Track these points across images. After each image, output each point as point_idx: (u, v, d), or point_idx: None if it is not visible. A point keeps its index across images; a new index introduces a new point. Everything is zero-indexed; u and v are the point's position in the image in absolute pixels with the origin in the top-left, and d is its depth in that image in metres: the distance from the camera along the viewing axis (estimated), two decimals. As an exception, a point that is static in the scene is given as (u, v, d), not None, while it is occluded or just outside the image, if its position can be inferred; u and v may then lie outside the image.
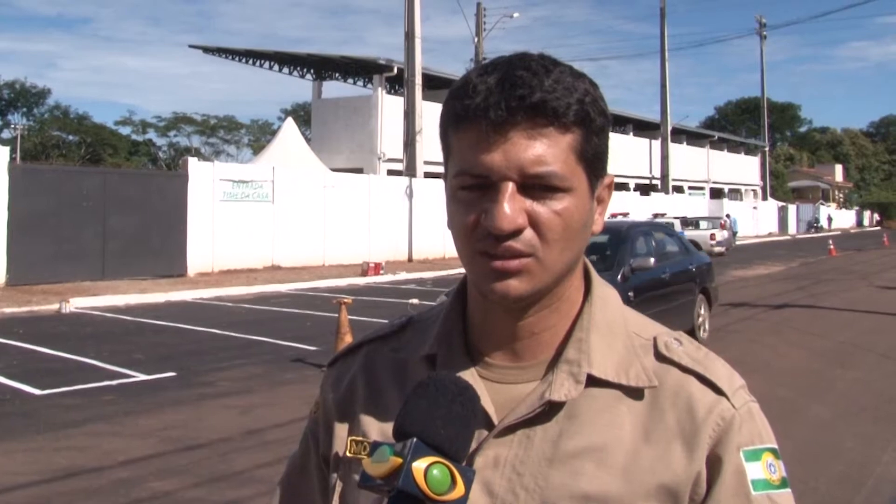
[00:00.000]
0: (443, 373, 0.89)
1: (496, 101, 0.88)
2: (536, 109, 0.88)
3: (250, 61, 40.36)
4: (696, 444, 0.92)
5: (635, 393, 0.94)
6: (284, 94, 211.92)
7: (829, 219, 74.08)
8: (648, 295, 9.71)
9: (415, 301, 8.54)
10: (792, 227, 65.71)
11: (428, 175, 29.23)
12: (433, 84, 33.52)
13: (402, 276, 22.45)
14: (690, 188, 57.21)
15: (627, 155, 49.65)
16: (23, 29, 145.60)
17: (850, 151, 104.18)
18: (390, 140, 34.28)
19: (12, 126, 68.84)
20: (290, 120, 34.89)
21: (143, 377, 9.03)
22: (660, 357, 0.97)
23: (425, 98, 30.09)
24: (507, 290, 0.90)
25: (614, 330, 0.98)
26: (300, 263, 23.64)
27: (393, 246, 26.91)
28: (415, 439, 0.79)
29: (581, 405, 0.93)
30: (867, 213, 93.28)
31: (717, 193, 60.99)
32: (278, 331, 12.34)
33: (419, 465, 0.77)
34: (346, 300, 9.52)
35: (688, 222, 32.06)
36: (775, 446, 0.96)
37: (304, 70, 40.28)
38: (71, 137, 68.89)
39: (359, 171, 30.73)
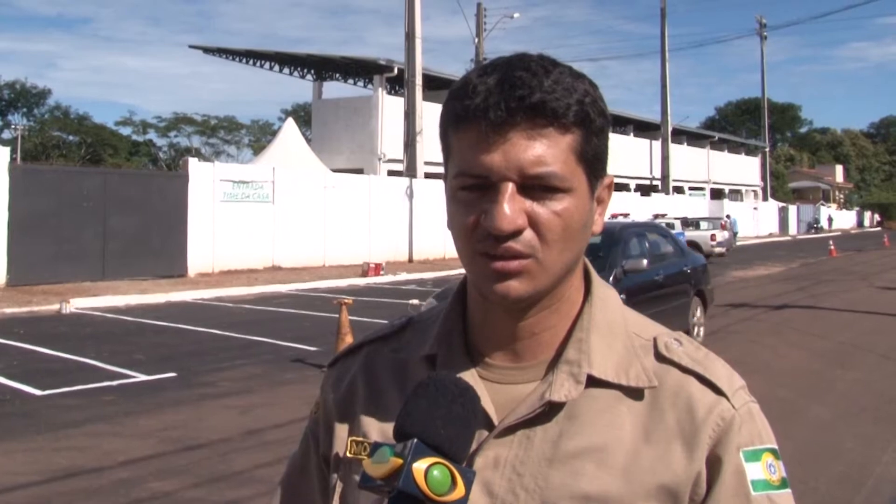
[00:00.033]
0: (443, 373, 0.89)
1: (496, 102, 0.88)
2: (536, 110, 0.88)
3: (250, 61, 40.38)
4: (696, 444, 0.92)
5: (635, 393, 0.94)
6: (285, 94, 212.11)
7: (830, 219, 74.10)
8: (641, 297, 9.44)
9: (415, 301, 8.56)
10: (792, 228, 65.71)
11: (428, 175, 29.23)
12: (433, 84, 33.53)
13: (403, 276, 22.45)
14: (691, 189, 57.19)
15: (628, 155, 49.65)
16: (23, 29, 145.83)
17: (850, 152, 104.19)
18: (391, 140, 34.29)
19: (13, 126, 68.90)
20: (290, 120, 34.90)
21: (143, 377, 9.03)
22: (660, 357, 0.97)
23: (426, 98, 30.10)
24: (507, 291, 0.90)
25: (614, 330, 0.98)
26: (300, 264, 23.64)
27: (393, 246, 26.91)
28: (415, 440, 0.79)
29: (581, 405, 0.94)
30: (868, 214, 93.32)
31: (717, 194, 61.00)
32: (278, 331, 12.34)
33: (419, 466, 0.77)
34: (346, 301, 9.52)
35: (688, 223, 32.05)
36: (775, 447, 0.96)
37: (305, 70, 40.30)
38: (71, 138, 68.91)
39: (359, 171, 30.73)
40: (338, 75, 40.67)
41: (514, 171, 0.88)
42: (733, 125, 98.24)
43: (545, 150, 0.88)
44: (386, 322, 1.15)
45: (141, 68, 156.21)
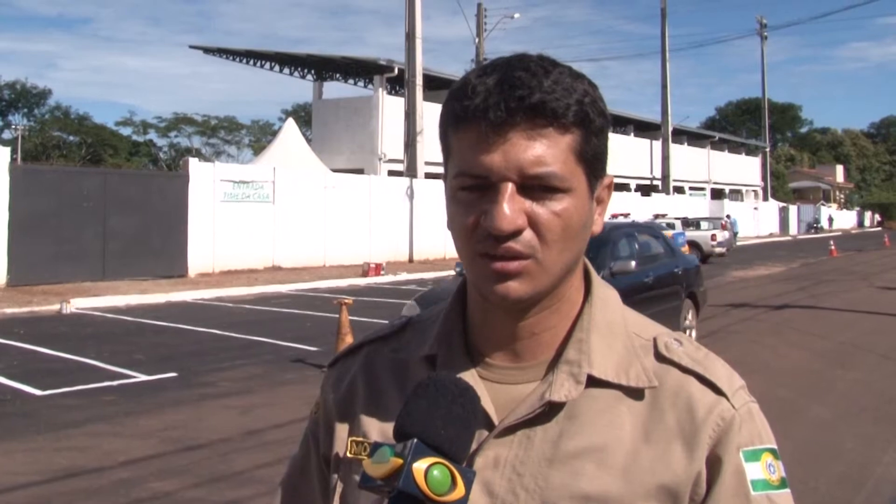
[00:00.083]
0: (443, 373, 0.89)
1: (495, 102, 0.88)
2: (536, 110, 0.88)
3: (251, 62, 40.38)
4: (696, 444, 0.92)
5: (635, 393, 0.95)
6: (285, 94, 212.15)
7: (830, 219, 74.10)
8: (630, 300, 9.13)
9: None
10: (793, 228, 65.71)
11: (429, 176, 29.24)
12: (434, 84, 33.53)
13: (403, 276, 22.45)
14: (691, 189, 57.21)
15: (628, 155, 49.65)
16: (23, 29, 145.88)
17: (850, 152, 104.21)
18: (391, 141, 34.29)
19: (13, 126, 68.90)
20: (290, 120, 34.93)
21: (143, 378, 9.03)
22: (660, 357, 0.97)
23: (426, 99, 30.11)
24: (507, 291, 0.90)
25: (614, 330, 0.99)
26: (301, 264, 23.64)
27: (394, 246, 26.92)
28: (415, 440, 0.79)
29: (581, 405, 0.94)
30: (868, 214, 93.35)
31: (717, 194, 61.00)
32: (279, 331, 12.34)
33: (419, 466, 0.77)
34: (346, 301, 9.52)
35: (689, 223, 32.03)
36: (775, 447, 0.96)
37: (305, 70, 40.30)
38: (71, 138, 68.91)
39: (359, 171, 30.73)
40: (338, 75, 40.68)
41: (513, 171, 0.88)
42: (734, 125, 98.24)
43: (545, 151, 0.88)
44: (386, 322, 1.15)
45: (141, 68, 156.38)
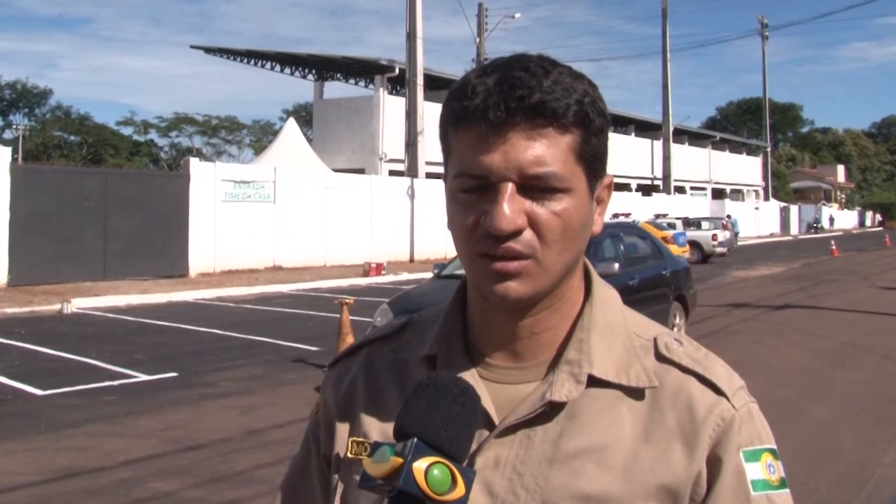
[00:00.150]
0: (443, 373, 0.89)
1: (495, 102, 0.88)
2: (535, 110, 0.88)
3: (251, 62, 40.41)
4: (697, 444, 0.93)
5: (636, 393, 0.95)
6: (286, 94, 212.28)
7: (831, 219, 74.08)
8: None
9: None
10: (794, 228, 65.71)
11: (429, 175, 29.24)
12: (435, 84, 33.53)
13: (404, 276, 22.44)
14: (692, 189, 57.21)
15: (629, 155, 49.66)
16: (23, 29, 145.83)
17: (851, 152, 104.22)
18: (392, 140, 34.30)
19: (14, 126, 68.85)
20: (291, 120, 34.94)
21: (144, 377, 9.04)
22: (660, 357, 0.97)
23: (427, 98, 30.11)
24: (507, 292, 0.91)
25: (614, 330, 0.99)
26: (302, 264, 23.65)
27: (394, 246, 26.92)
28: (415, 439, 0.79)
29: (582, 405, 0.94)
30: (869, 214, 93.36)
31: (718, 194, 60.99)
32: (280, 331, 12.35)
33: (420, 465, 0.77)
34: (347, 301, 9.52)
35: (690, 223, 32.03)
36: (774, 447, 0.97)
37: (306, 70, 40.32)
38: (72, 138, 68.90)
39: (360, 171, 30.75)
40: (339, 75, 40.70)
41: (513, 171, 0.88)
42: (734, 125, 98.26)
43: (545, 151, 0.88)
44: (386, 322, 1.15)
45: (141, 68, 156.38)
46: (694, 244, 29.30)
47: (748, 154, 71.26)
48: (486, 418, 0.93)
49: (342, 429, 1.04)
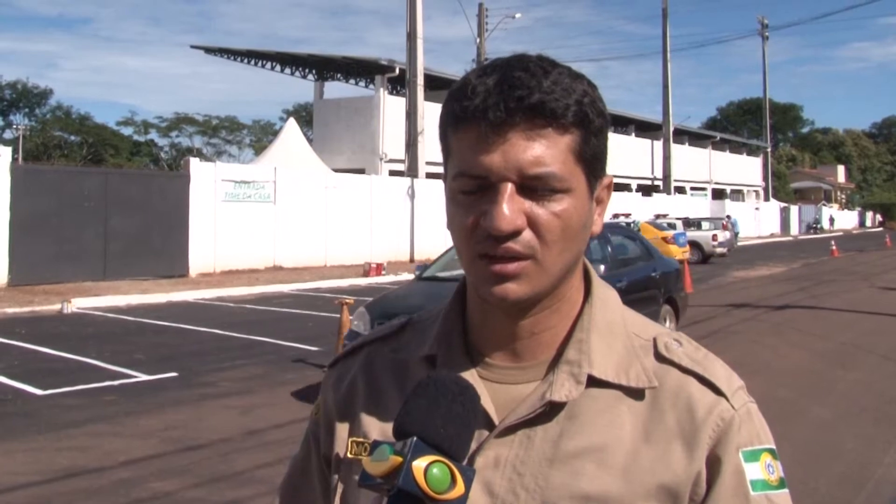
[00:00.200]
0: (443, 372, 0.90)
1: (495, 103, 0.88)
2: (535, 110, 0.88)
3: (252, 62, 40.40)
4: (696, 444, 0.93)
5: (635, 393, 0.95)
6: (286, 94, 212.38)
7: (832, 219, 74.07)
8: None
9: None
10: (794, 228, 65.71)
11: (430, 176, 29.24)
12: (435, 84, 33.53)
13: (404, 276, 22.42)
14: (692, 189, 57.19)
15: (629, 156, 49.64)
16: (23, 29, 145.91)
17: (852, 152, 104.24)
18: (392, 140, 34.30)
19: (14, 126, 68.84)
20: (291, 120, 34.95)
21: (144, 377, 9.04)
22: (660, 358, 0.97)
23: (427, 99, 30.10)
24: (506, 293, 0.91)
25: (614, 330, 0.99)
26: (302, 264, 23.64)
27: (395, 246, 26.91)
28: (415, 438, 0.79)
29: (581, 405, 0.94)
30: (869, 214, 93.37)
31: (719, 194, 60.98)
32: (280, 331, 12.34)
33: (419, 464, 0.77)
34: (347, 301, 9.52)
35: (690, 223, 32.03)
36: (773, 447, 0.97)
37: (306, 70, 40.31)
38: (73, 138, 68.90)
39: (360, 171, 30.74)
40: (339, 75, 40.69)
41: (513, 171, 0.88)
42: (735, 125, 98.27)
43: (544, 151, 0.89)
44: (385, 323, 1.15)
45: (141, 68, 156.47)
46: (694, 244, 29.30)
47: (748, 154, 71.25)
48: (485, 418, 0.93)
49: (342, 429, 1.04)
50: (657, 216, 32.41)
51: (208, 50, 40.62)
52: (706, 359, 0.99)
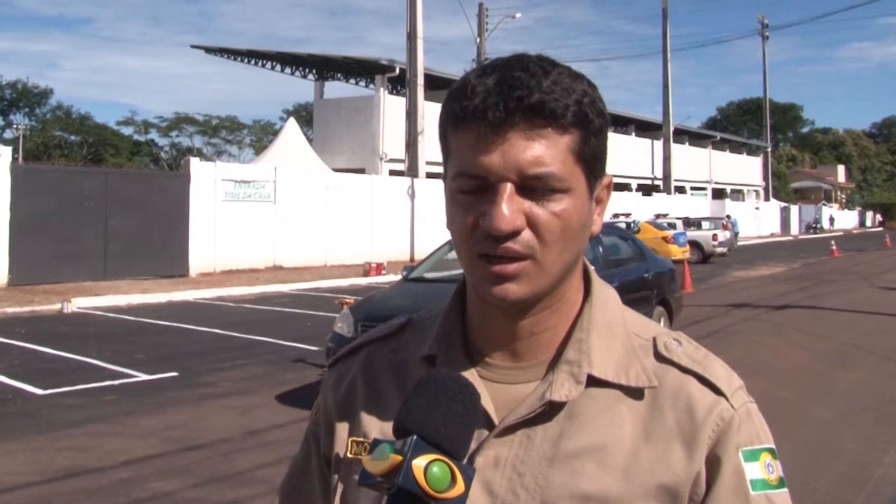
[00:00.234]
0: (443, 370, 0.90)
1: (494, 103, 0.88)
2: (534, 110, 0.88)
3: (252, 61, 40.39)
4: (696, 444, 0.93)
5: (635, 393, 0.95)
6: (286, 94, 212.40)
7: (832, 219, 74.05)
8: None
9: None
10: (794, 228, 65.70)
11: (430, 175, 29.23)
12: (435, 84, 33.52)
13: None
14: (692, 189, 57.17)
15: (629, 155, 49.63)
16: (23, 29, 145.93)
17: (852, 152, 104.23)
18: (392, 140, 34.30)
19: (14, 126, 68.85)
20: (291, 120, 34.94)
21: (144, 377, 9.04)
22: (659, 357, 0.97)
23: (427, 98, 30.10)
24: (506, 293, 0.91)
25: (614, 330, 0.99)
26: (302, 264, 23.64)
27: (395, 246, 26.91)
28: (415, 437, 0.79)
29: (581, 405, 0.94)
30: (870, 214, 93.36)
31: (719, 194, 60.96)
32: (280, 331, 12.34)
33: (419, 463, 0.77)
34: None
35: (690, 223, 32.04)
36: (773, 446, 0.97)
37: (306, 70, 40.31)
38: (73, 137, 68.91)
39: (361, 171, 30.74)
40: (339, 75, 40.68)
41: (512, 171, 0.88)
42: (735, 125, 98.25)
43: (543, 151, 0.88)
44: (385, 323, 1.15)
45: (142, 68, 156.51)
46: (694, 244, 29.30)
47: (748, 154, 71.23)
48: (485, 418, 0.93)
49: (342, 429, 1.04)
50: (657, 216, 32.39)
51: (208, 50, 40.62)
52: (706, 359, 0.99)
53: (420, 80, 29.47)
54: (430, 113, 28.81)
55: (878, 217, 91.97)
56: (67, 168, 31.77)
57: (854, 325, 13.11)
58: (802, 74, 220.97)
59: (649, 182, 52.37)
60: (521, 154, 0.88)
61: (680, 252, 25.56)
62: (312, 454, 1.10)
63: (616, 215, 28.34)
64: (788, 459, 0.85)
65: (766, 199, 67.89)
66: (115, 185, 19.47)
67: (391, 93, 36.83)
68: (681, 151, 54.94)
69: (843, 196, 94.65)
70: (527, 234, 0.89)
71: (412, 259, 27.27)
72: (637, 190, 48.96)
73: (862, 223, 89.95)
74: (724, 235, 31.64)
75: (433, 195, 27.68)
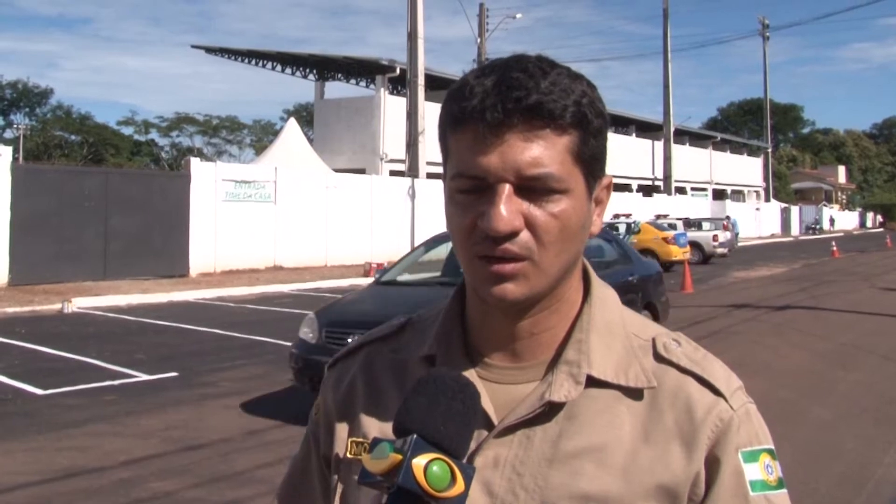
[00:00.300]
0: (443, 369, 0.90)
1: (492, 104, 0.88)
2: (533, 111, 0.88)
3: (252, 61, 40.40)
4: (695, 444, 0.93)
5: (634, 393, 0.95)
6: (287, 94, 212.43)
7: (832, 220, 74.04)
8: None
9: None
10: (795, 229, 65.71)
11: (430, 176, 29.23)
12: (436, 84, 33.52)
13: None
14: (693, 189, 57.18)
15: (630, 156, 49.62)
16: (23, 29, 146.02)
17: (852, 153, 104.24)
18: (392, 140, 34.30)
19: (15, 126, 68.84)
20: (292, 120, 34.94)
21: (144, 377, 9.04)
22: (658, 358, 0.97)
23: (428, 99, 30.09)
24: (504, 293, 0.91)
25: (613, 331, 0.99)
26: (302, 264, 23.64)
27: (395, 246, 26.86)
28: (415, 436, 0.79)
29: (581, 406, 0.94)
30: (870, 215, 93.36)
31: (719, 195, 60.97)
32: (280, 331, 12.32)
33: (419, 462, 0.77)
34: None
35: (690, 223, 32.04)
36: (772, 447, 0.97)
37: (307, 70, 40.31)
38: (73, 137, 68.91)
39: (361, 171, 30.74)
40: (340, 75, 40.68)
41: (510, 172, 0.88)
42: (735, 126, 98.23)
43: (542, 152, 0.88)
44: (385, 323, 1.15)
45: (142, 68, 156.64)
46: (695, 245, 29.30)
47: (749, 155, 71.22)
48: (485, 418, 0.93)
49: (342, 429, 1.04)
50: (658, 216, 32.38)
51: (209, 50, 40.62)
52: (705, 359, 0.99)
53: (420, 81, 29.47)
54: (431, 113, 28.81)
55: (879, 218, 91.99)
56: (67, 168, 31.77)
57: (854, 326, 13.10)
58: (803, 75, 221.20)
59: (650, 183, 52.36)
60: (519, 155, 0.88)
61: (680, 253, 25.58)
62: (312, 454, 1.10)
63: (616, 216, 28.33)
64: (788, 459, 0.85)
65: (767, 199, 67.89)
66: (116, 185, 19.48)
67: (391, 93, 36.83)
68: (681, 152, 54.94)
69: (844, 197, 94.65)
70: (525, 236, 0.89)
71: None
72: (637, 190, 48.95)
73: (862, 224, 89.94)
74: (724, 236, 31.63)
75: (434, 195, 27.67)
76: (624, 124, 52.24)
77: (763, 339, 11.52)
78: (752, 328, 12.68)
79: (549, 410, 0.93)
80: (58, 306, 14.83)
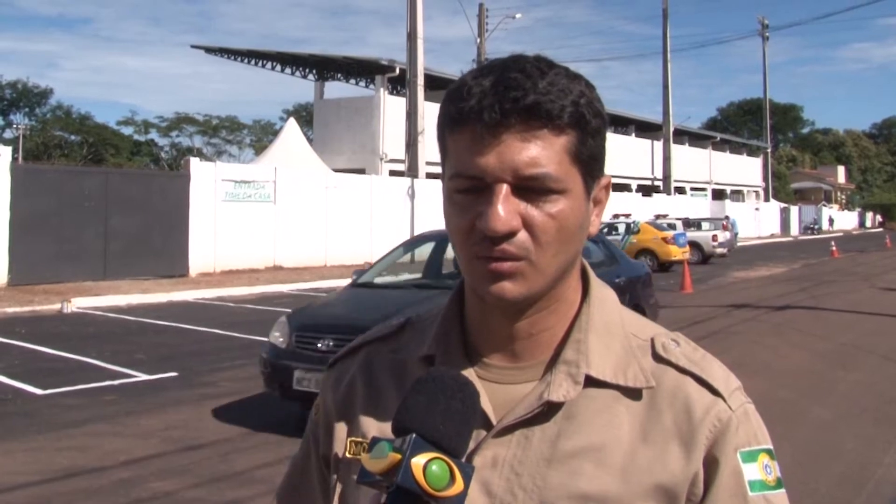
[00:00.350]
0: (442, 369, 0.90)
1: (490, 104, 0.88)
2: (530, 112, 0.88)
3: (252, 61, 40.40)
4: (694, 444, 0.93)
5: (633, 393, 0.95)
6: (286, 94, 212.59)
7: (831, 220, 74.04)
8: None
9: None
10: (794, 229, 65.70)
11: (430, 176, 29.22)
12: (435, 85, 33.51)
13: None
14: (692, 189, 57.17)
15: (629, 156, 49.60)
16: (23, 29, 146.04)
17: (852, 153, 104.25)
18: (392, 140, 34.30)
19: (14, 126, 68.82)
20: (292, 120, 34.93)
21: (144, 377, 9.04)
22: (657, 358, 0.97)
23: (427, 99, 30.09)
24: (503, 292, 0.91)
25: (612, 331, 0.99)
26: (302, 264, 23.64)
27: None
28: (414, 435, 0.79)
29: (579, 405, 0.94)
30: (870, 215, 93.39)
31: (719, 195, 60.95)
32: (280, 331, 12.32)
33: (418, 461, 0.77)
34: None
35: (690, 223, 32.04)
36: (770, 447, 0.97)
37: (306, 70, 40.30)
38: (73, 137, 68.90)
39: (361, 171, 30.73)
40: (339, 75, 40.67)
41: (508, 172, 0.88)
42: (735, 126, 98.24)
43: (539, 152, 0.89)
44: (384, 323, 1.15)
45: (142, 68, 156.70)
46: (694, 245, 29.30)
47: (748, 155, 71.21)
48: (483, 418, 0.93)
49: (341, 429, 1.04)
50: (657, 216, 32.38)
51: (209, 50, 40.62)
52: (704, 359, 0.99)
53: (420, 81, 29.46)
54: (431, 113, 28.80)
55: (878, 218, 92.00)
56: (67, 168, 31.77)
57: (854, 326, 13.10)
58: (803, 75, 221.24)
59: (649, 182, 52.36)
60: (517, 155, 0.88)
61: (680, 253, 25.59)
62: (311, 454, 1.10)
63: (616, 216, 28.34)
64: (788, 459, 0.85)
65: (766, 199, 67.88)
66: (115, 185, 19.47)
67: (391, 93, 36.82)
68: (681, 152, 54.93)
69: (843, 197, 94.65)
70: (522, 236, 0.89)
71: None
72: (637, 190, 48.94)
73: (862, 224, 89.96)
74: (723, 236, 31.63)
75: (433, 195, 27.67)
76: (623, 124, 52.25)
77: (763, 340, 11.52)
78: (751, 328, 12.68)
79: (548, 410, 0.93)
80: (58, 306, 14.83)
